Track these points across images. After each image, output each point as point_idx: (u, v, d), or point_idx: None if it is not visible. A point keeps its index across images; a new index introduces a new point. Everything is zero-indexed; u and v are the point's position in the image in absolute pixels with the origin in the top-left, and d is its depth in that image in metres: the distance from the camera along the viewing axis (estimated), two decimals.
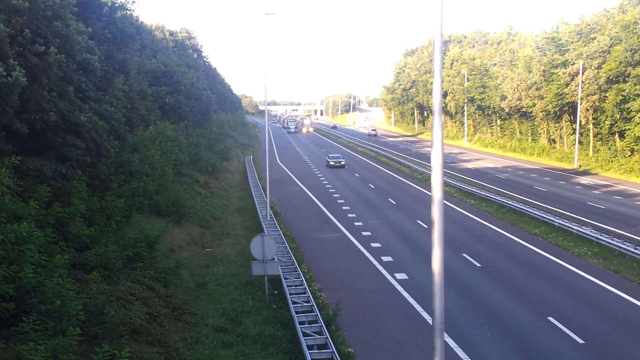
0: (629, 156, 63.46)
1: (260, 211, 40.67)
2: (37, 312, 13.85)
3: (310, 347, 18.47)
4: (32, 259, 14.71)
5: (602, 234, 31.99)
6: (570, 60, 71.21)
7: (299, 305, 22.25)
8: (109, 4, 37.37)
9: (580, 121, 69.65)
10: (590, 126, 70.56)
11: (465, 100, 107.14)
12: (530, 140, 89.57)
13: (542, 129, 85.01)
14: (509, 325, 21.40)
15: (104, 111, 25.50)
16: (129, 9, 42.68)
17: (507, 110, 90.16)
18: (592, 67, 66.17)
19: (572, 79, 70.54)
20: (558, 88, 73.31)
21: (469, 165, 73.74)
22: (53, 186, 19.90)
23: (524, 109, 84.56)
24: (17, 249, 14.31)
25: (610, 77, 63.10)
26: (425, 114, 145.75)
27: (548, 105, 75.97)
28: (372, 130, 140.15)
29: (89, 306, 16.69)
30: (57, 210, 18.85)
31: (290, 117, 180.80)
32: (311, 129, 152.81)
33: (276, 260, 25.61)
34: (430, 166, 9.53)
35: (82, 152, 21.73)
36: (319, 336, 19.32)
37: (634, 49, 58.41)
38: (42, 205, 17.90)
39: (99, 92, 27.01)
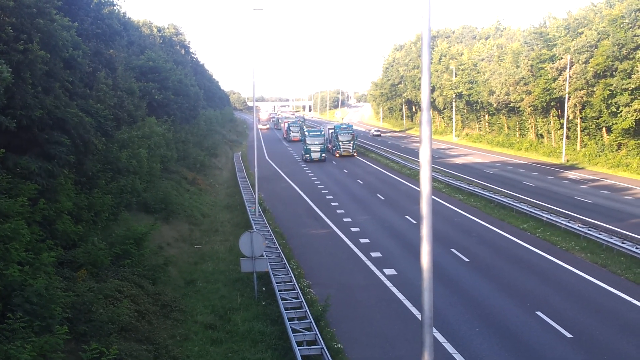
0: (616, 150, 63.78)
1: (249, 208, 40.57)
2: (23, 311, 13.74)
3: (299, 344, 18.46)
4: (18, 257, 14.58)
5: (589, 229, 32.13)
6: (557, 55, 71.40)
7: (288, 301, 22.22)
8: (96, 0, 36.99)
9: (568, 116, 69.92)
10: (578, 121, 70.88)
11: (454, 96, 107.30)
12: (518, 135, 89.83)
13: (530, 124, 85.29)
14: (497, 320, 21.48)
15: (90, 107, 25.25)
16: (115, 4, 42.30)
17: (495, 105, 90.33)
18: (580, 61, 66.38)
19: (560, 74, 70.72)
20: (546, 83, 73.51)
21: (457, 161, 73.91)
22: (39, 183, 19.73)
23: (511, 104, 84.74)
24: (2, 247, 14.18)
25: (598, 72, 63.29)
26: (414, 110, 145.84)
27: (536, 100, 76.19)
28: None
29: (76, 304, 16.60)
30: (43, 207, 18.69)
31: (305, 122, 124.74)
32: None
33: (265, 256, 25.55)
34: (418, 161, 9.53)
35: (67, 149, 21.52)
36: (308, 332, 19.31)
37: (621, 43, 58.62)
38: (28, 202, 17.75)
39: (86, 89, 26.74)
